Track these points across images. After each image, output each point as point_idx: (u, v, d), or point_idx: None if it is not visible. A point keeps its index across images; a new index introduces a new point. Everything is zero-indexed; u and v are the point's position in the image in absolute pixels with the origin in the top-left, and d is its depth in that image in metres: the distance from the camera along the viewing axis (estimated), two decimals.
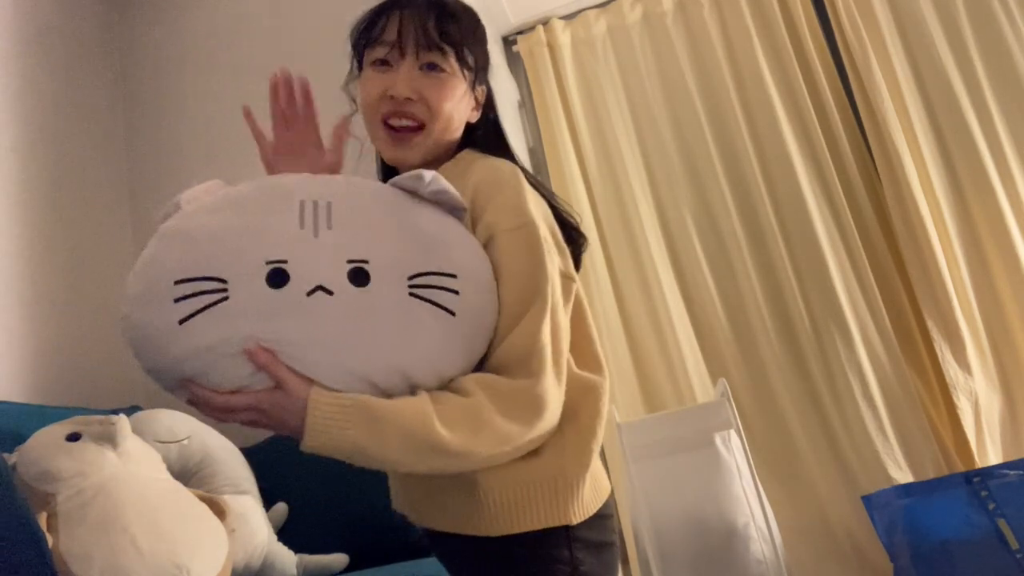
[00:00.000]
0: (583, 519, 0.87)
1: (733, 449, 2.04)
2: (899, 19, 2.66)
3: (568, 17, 3.00)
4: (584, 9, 2.98)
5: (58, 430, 1.28)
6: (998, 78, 2.53)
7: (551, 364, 0.80)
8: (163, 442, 1.55)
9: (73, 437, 1.26)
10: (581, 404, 0.87)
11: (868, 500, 2.10)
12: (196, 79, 2.34)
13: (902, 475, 2.31)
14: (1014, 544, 1.75)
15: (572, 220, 1.00)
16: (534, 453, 0.84)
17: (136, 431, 1.39)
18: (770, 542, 1.93)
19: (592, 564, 0.88)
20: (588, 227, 2.74)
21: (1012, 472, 1.85)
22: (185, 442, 1.60)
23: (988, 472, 1.87)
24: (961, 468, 2.32)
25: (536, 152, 2.99)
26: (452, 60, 0.95)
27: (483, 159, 0.95)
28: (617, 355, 2.62)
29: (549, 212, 0.93)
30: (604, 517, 0.92)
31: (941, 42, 2.59)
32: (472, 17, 1.03)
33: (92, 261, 2.07)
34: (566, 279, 0.89)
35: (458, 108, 0.97)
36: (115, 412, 1.60)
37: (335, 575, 1.67)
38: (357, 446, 0.72)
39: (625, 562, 2.40)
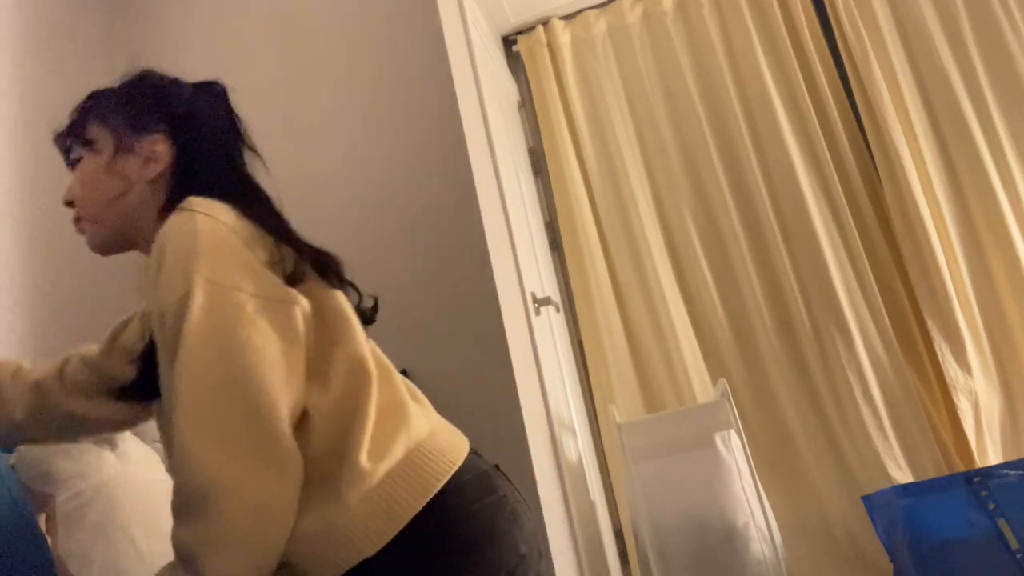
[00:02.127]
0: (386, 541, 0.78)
1: (733, 449, 2.04)
2: (899, 19, 2.67)
3: (568, 17, 2.99)
4: (584, 9, 2.98)
5: None
6: (998, 78, 2.53)
7: (197, 426, 0.73)
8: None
9: None
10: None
11: (868, 500, 2.10)
12: (197, 78, 2.33)
13: (902, 475, 2.31)
14: (1014, 544, 1.75)
15: (295, 238, 0.91)
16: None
17: (135, 432, 1.39)
18: (770, 542, 1.93)
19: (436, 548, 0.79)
20: (588, 227, 2.74)
21: (1012, 472, 1.84)
22: None
23: (988, 472, 1.87)
24: (961, 468, 2.32)
25: (536, 152, 2.99)
26: (77, 145, 0.96)
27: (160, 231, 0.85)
28: (617, 355, 2.62)
29: (252, 233, 0.85)
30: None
31: (941, 42, 2.59)
32: (115, 89, 1.00)
33: (92, 261, 2.06)
34: (277, 304, 0.80)
35: (95, 185, 0.95)
36: None
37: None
38: None
39: (625, 562, 2.40)
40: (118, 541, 1.12)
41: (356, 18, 2.19)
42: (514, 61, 3.06)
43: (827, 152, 2.61)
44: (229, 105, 1.02)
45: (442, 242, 1.86)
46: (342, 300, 0.88)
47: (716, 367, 2.58)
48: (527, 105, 3.03)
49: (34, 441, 1.12)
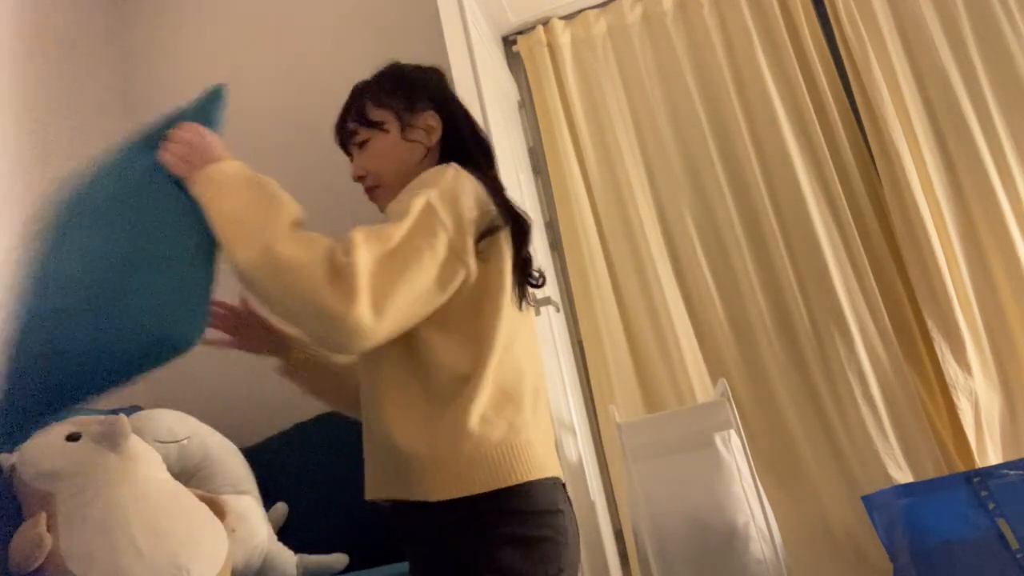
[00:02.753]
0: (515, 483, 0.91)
1: (733, 449, 2.04)
2: (899, 19, 2.67)
3: (568, 17, 2.99)
4: (584, 9, 2.98)
5: (58, 430, 1.28)
6: (998, 78, 2.53)
7: (367, 239, 0.87)
8: (163, 442, 1.54)
9: (73, 437, 1.26)
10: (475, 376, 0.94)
11: (868, 500, 2.10)
12: (197, 79, 2.33)
13: (902, 475, 2.31)
14: (1014, 544, 1.75)
15: (520, 213, 1.08)
16: (438, 411, 0.93)
17: (136, 431, 1.39)
18: (770, 542, 1.93)
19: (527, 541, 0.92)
20: (588, 227, 2.74)
21: (1012, 472, 1.85)
22: (185, 442, 1.60)
23: (988, 472, 1.87)
24: (961, 468, 2.32)
25: (536, 152, 2.99)
26: (364, 129, 1.15)
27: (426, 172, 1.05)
28: (617, 355, 2.62)
29: (483, 197, 1.01)
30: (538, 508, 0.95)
31: (941, 42, 2.59)
32: (377, 79, 1.20)
33: None
34: (456, 257, 0.94)
35: (394, 156, 1.14)
36: (115, 412, 1.60)
37: (335, 575, 1.67)
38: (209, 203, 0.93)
39: (625, 562, 2.40)
40: (119, 540, 1.12)
41: (355, 18, 2.19)
42: (514, 61, 3.05)
43: (827, 152, 2.61)
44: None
45: None
46: (507, 273, 1.01)
47: (716, 367, 2.58)
48: (527, 105, 3.03)
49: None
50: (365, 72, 1.21)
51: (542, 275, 1.15)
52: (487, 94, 2.13)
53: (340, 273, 0.84)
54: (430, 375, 0.96)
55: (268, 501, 1.74)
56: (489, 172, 1.14)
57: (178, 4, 2.41)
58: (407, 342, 0.96)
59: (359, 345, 0.88)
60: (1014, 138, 2.48)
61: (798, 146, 2.64)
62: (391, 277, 0.87)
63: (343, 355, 1.21)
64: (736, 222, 2.66)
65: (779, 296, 2.58)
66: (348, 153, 1.20)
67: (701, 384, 2.54)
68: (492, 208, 1.00)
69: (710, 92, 2.79)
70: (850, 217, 2.55)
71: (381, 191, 1.15)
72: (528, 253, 1.09)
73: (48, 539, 1.10)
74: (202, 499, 1.34)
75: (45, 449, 1.24)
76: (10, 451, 1.29)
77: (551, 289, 2.57)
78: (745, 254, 2.63)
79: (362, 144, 1.16)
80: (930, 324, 2.43)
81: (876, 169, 2.62)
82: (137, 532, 1.14)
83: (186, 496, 1.32)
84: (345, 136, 1.19)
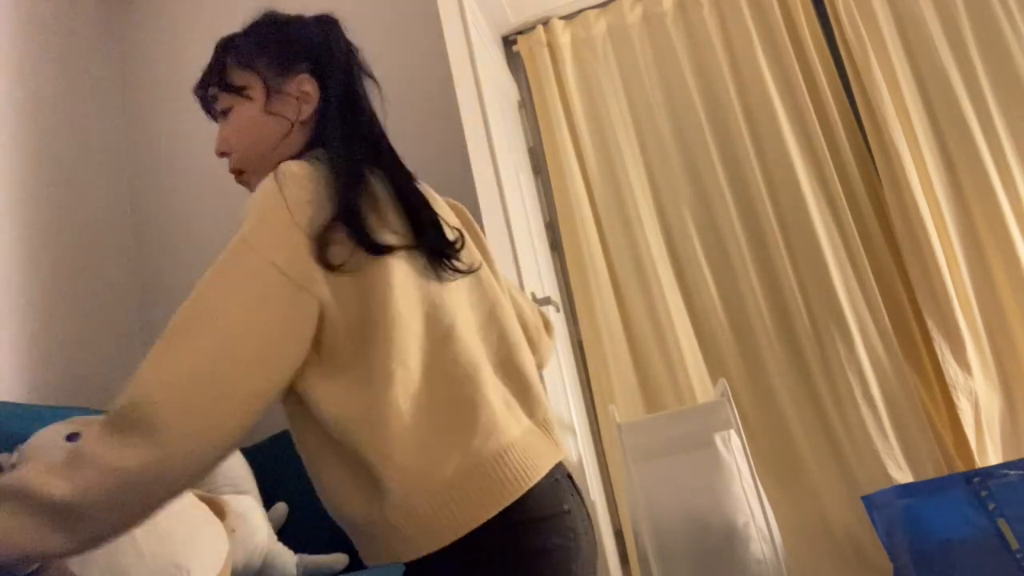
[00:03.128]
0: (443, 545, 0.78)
1: (733, 449, 2.04)
2: (899, 19, 2.67)
3: (568, 17, 2.99)
4: (584, 9, 2.98)
5: (58, 430, 1.28)
6: (998, 78, 2.53)
7: (162, 338, 0.71)
8: None
9: (73, 437, 1.26)
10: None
11: (868, 500, 2.10)
12: (196, 78, 2.33)
13: (902, 475, 2.31)
14: (1014, 544, 1.75)
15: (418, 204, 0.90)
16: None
17: None
18: (770, 542, 1.93)
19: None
20: (588, 227, 2.74)
21: (1012, 472, 1.84)
22: None
23: (988, 472, 1.87)
24: (961, 468, 2.32)
25: (536, 152, 2.99)
26: (224, 94, 0.95)
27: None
28: (617, 355, 2.62)
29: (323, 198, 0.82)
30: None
31: (941, 42, 2.59)
32: (246, 32, 0.99)
33: (92, 261, 2.06)
34: (297, 289, 0.76)
35: (254, 131, 0.94)
36: None
37: (335, 575, 1.67)
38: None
39: (625, 562, 2.40)
40: (119, 541, 1.12)
41: (355, 18, 2.18)
42: (514, 61, 3.05)
43: (827, 152, 2.61)
44: (345, 36, 1.01)
45: None
46: (398, 273, 0.82)
47: (716, 367, 2.58)
48: (527, 105, 3.03)
49: None
50: None
51: (460, 236, 0.93)
52: (487, 94, 2.13)
53: (118, 425, 0.68)
54: (331, 430, 0.80)
55: (268, 501, 1.74)
56: (369, 152, 0.93)
57: (178, 1, 2.41)
58: (295, 402, 0.82)
59: (211, 456, 0.72)
60: (1014, 138, 2.48)
61: (798, 146, 2.64)
62: (214, 356, 0.70)
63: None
64: (736, 222, 2.66)
65: (779, 296, 2.58)
66: (214, 119, 1.00)
67: (701, 384, 2.54)
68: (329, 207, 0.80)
69: (710, 92, 2.79)
70: (850, 217, 2.55)
71: (248, 178, 0.97)
72: (434, 239, 0.88)
73: None
74: (202, 499, 1.34)
75: (45, 449, 1.24)
76: (10, 451, 1.29)
77: (551, 289, 2.57)
78: (745, 254, 2.63)
79: (224, 112, 0.97)
80: (930, 324, 2.43)
81: (876, 169, 2.62)
82: (137, 532, 1.14)
83: (186, 496, 1.32)
84: (206, 101, 0.99)
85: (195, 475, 0.73)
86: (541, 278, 2.42)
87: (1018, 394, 2.37)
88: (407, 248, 0.85)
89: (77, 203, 2.04)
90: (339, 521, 0.86)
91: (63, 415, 1.42)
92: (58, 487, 0.64)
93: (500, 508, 0.78)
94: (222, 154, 0.97)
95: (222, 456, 0.73)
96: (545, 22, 2.99)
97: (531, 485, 0.82)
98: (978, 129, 2.49)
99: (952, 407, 2.39)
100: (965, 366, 2.38)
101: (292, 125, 0.93)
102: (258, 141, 0.94)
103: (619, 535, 2.47)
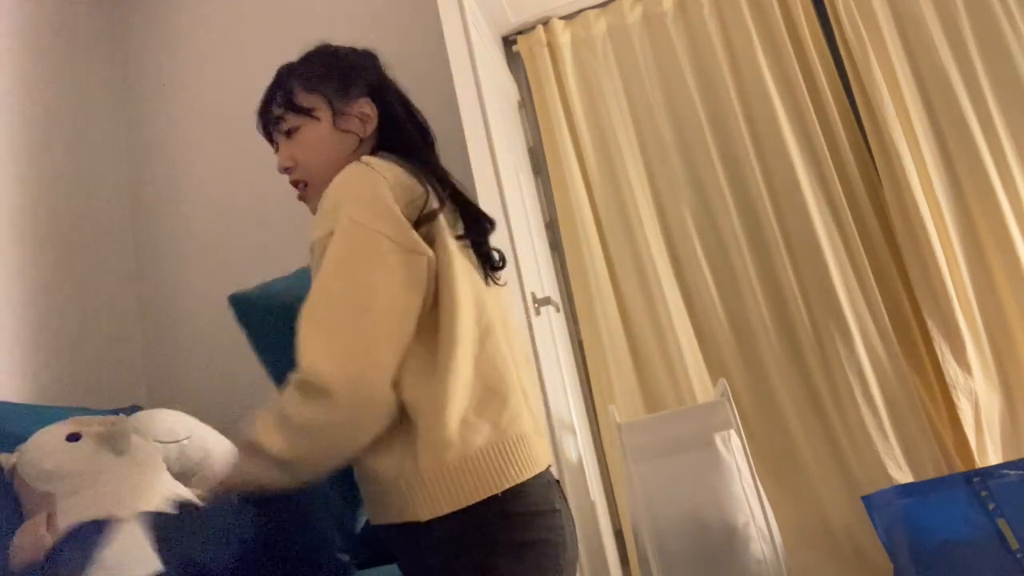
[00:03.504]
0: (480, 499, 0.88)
1: (733, 449, 2.04)
2: (899, 19, 2.67)
3: (568, 17, 3.00)
4: (584, 9, 2.98)
5: (58, 430, 1.28)
6: (998, 78, 2.53)
7: (310, 321, 0.85)
8: (163, 442, 1.54)
9: (73, 437, 1.26)
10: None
11: (868, 500, 2.10)
12: (197, 77, 2.34)
13: (902, 475, 2.31)
14: (1014, 544, 1.75)
15: (462, 192, 1.05)
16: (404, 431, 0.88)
17: (136, 431, 1.39)
18: (770, 542, 1.93)
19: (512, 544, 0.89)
20: (588, 227, 2.74)
21: (1012, 472, 1.84)
22: (185, 442, 1.60)
23: (988, 472, 1.87)
24: (961, 468, 2.32)
25: (536, 152, 2.99)
26: (292, 115, 1.06)
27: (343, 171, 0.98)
28: (617, 355, 2.62)
29: (406, 182, 0.95)
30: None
31: (941, 42, 2.59)
32: (308, 61, 1.12)
33: (92, 260, 2.06)
34: (409, 252, 0.89)
35: (325, 147, 1.06)
36: (115, 412, 1.60)
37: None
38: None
39: (625, 562, 2.40)
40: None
41: (355, 17, 2.19)
42: (514, 61, 3.06)
43: (827, 152, 2.61)
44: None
45: None
46: (455, 258, 0.95)
47: (716, 367, 2.58)
48: (527, 105, 3.03)
49: None
50: None
51: (502, 257, 1.09)
52: (487, 94, 2.13)
53: (304, 388, 0.83)
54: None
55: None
56: (430, 158, 1.09)
57: (178, 3, 2.41)
58: None
59: (385, 411, 0.86)
60: (1014, 138, 2.48)
61: (798, 146, 2.64)
62: (356, 329, 0.85)
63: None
64: (736, 222, 2.66)
65: (779, 296, 2.58)
66: (271, 141, 1.11)
67: (701, 384, 2.54)
68: (420, 190, 0.95)
69: (710, 92, 2.79)
70: (850, 217, 2.55)
71: (311, 190, 1.07)
72: (481, 230, 1.03)
73: (48, 539, 1.10)
74: (202, 499, 1.34)
75: (46, 449, 1.24)
76: (10, 451, 1.29)
77: (551, 289, 2.57)
78: (745, 254, 2.63)
79: (289, 132, 1.07)
80: (930, 324, 2.43)
81: (876, 169, 2.62)
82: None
83: (186, 496, 1.32)
84: (269, 122, 1.09)
85: (372, 426, 0.87)
86: (541, 278, 2.42)
87: (1018, 394, 2.37)
88: (466, 242, 1.00)
89: (77, 204, 2.04)
90: (363, 472, 0.94)
91: (63, 415, 1.42)
92: (276, 443, 0.83)
93: (514, 483, 0.89)
94: (285, 169, 1.08)
95: (386, 400, 0.86)
96: (545, 22, 2.99)
97: (536, 473, 0.93)
98: (978, 129, 2.49)
99: (952, 407, 2.39)
100: (965, 366, 2.38)
101: (360, 140, 1.06)
102: (330, 155, 1.05)
103: (619, 535, 2.47)
